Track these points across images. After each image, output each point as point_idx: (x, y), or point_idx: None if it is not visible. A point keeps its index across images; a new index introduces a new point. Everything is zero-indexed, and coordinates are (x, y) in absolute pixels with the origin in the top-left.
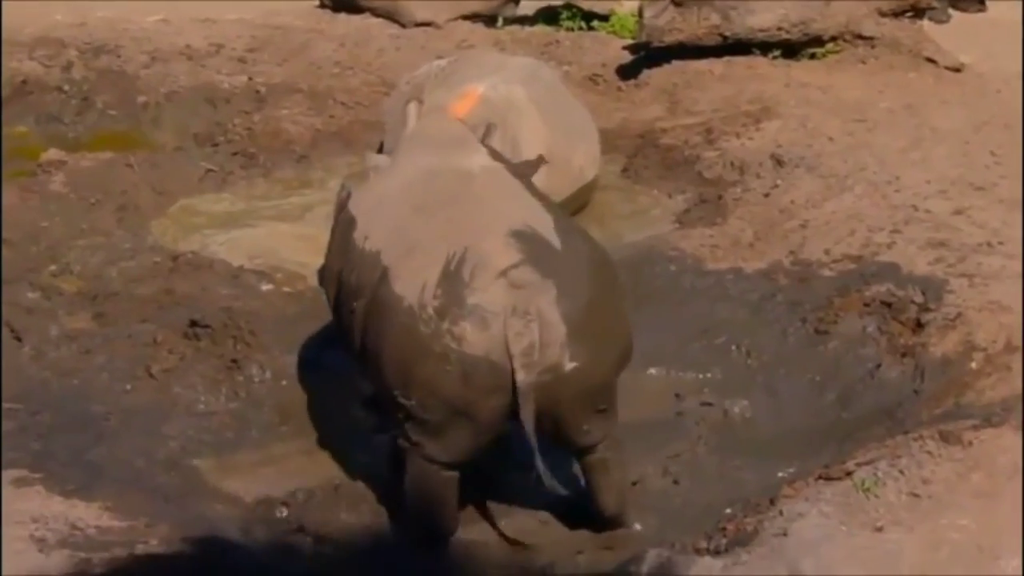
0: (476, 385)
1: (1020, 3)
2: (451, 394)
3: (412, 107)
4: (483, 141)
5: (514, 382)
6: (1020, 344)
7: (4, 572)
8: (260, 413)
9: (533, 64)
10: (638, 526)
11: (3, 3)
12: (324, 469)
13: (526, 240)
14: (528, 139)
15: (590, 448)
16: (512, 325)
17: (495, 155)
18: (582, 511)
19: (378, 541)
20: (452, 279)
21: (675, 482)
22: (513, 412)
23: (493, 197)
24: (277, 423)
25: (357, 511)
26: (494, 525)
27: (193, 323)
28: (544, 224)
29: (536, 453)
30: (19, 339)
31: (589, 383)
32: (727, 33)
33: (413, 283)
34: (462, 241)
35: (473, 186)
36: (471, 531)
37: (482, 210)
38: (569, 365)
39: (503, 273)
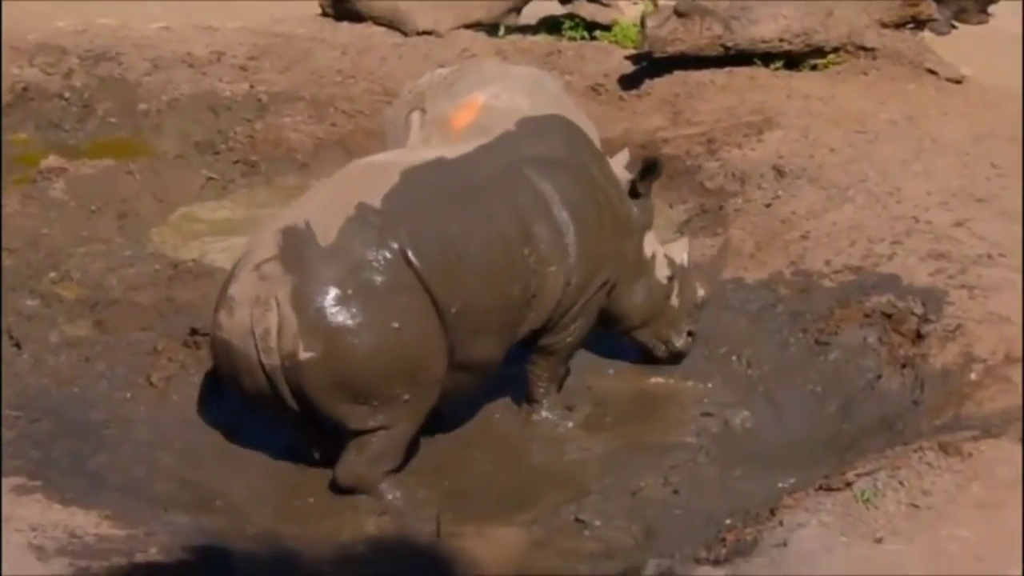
0: (232, 365)
1: (1022, 15)
2: (224, 374)
3: (415, 116)
4: None
5: (262, 365)
6: (1020, 356)
7: None
8: (259, 421)
9: (536, 73)
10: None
11: (6, 8)
12: (325, 477)
13: (292, 236)
14: None
15: (359, 432)
16: (253, 313)
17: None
18: (582, 521)
19: (375, 547)
20: (232, 270)
21: (675, 492)
22: (275, 393)
23: (323, 193)
24: (276, 431)
25: (355, 518)
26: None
27: (193, 331)
28: (330, 223)
29: (303, 431)
30: (19, 346)
31: (331, 374)
32: (729, 44)
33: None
34: (257, 235)
35: (331, 180)
36: (468, 540)
37: (296, 206)
38: (304, 355)
39: (257, 266)
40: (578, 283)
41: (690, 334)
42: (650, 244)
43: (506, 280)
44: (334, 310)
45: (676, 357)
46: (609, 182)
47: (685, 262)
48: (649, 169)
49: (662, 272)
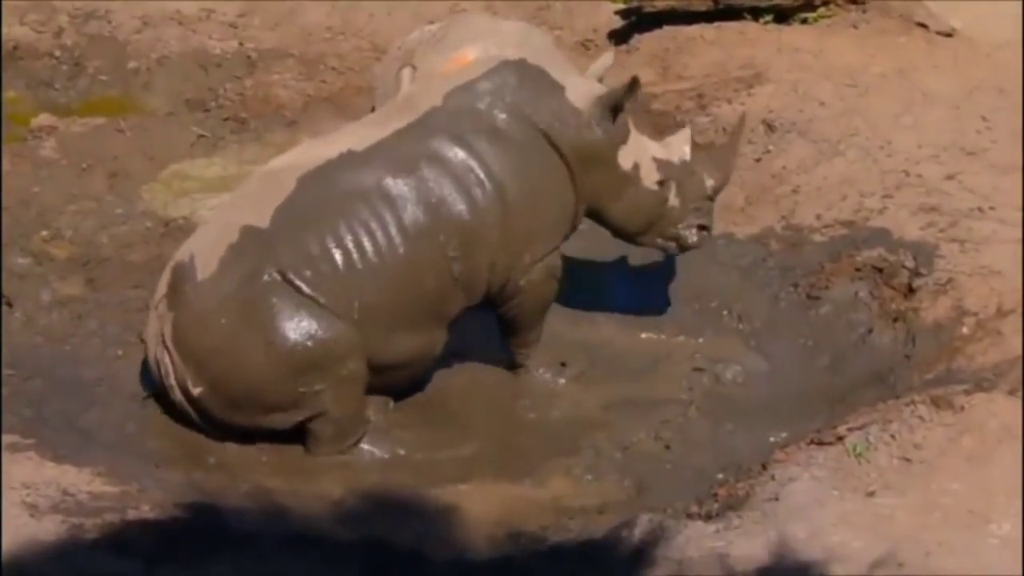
0: (163, 399)
1: None
2: None
3: (406, 73)
4: None
5: (174, 400)
6: (1012, 308)
7: None
8: None
9: (525, 28)
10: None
11: None
12: None
13: (178, 272)
14: None
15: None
16: (156, 352)
17: None
18: (574, 476)
19: (367, 503)
20: None
21: (667, 447)
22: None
23: (218, 217)
24: None
25: (347, 474)
26: None
27: None
28: (213, 253)
29: None
30: (10, 305)
31: (227, 401)
32: None
33: None
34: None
35: (232, 197)
36: (461, 497)
37: (195, 235)
38: (195, 390)
39: (156, 305)
40: (505, 263)
41: (703, 228)
42: (630, 155)
43: (413, 274)
44: (209, 343)
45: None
46: (560, 122)
47: (686, 155)
48: (626, 90)
49: (650, 178)
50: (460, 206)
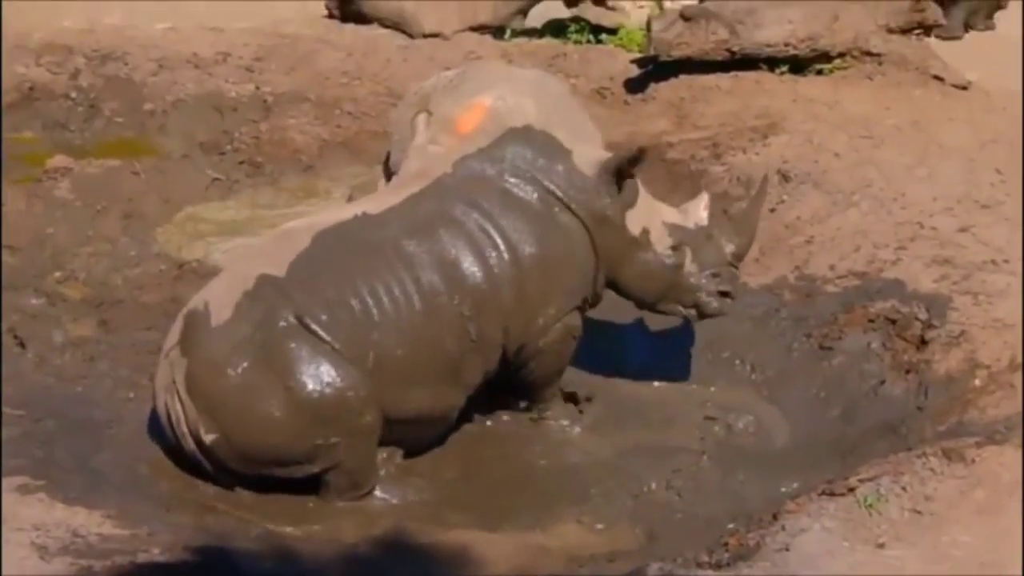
0: (173, 448)
1: (1022, 20)
2: None
3: (421, 119)
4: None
5: (183, 448)
6: (1022, 362)
7: None
8: None
9: (541, 76)
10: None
11: (12, 7)
12: None
13: (191, 319)
14: None
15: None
16: (166, 401)
17: None
18: (585, 523)
19: (378, 548)
20: None
21: (678, 495)
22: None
23: (232, 268)
24: None
25: (358, 519)
26: None
27: None
28: (227, 300)
29: None
30: (23, 345)
31: (240, 449)
32: (735, 48)
33: None
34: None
35: (246, 250)
36: (472, 543)
37: (208, 285)
38: (207, 437)
39: (167, 353)
40: (520, 325)
41: (725, 294)
42: (639, 220)
43: (429, 330)
44: (222, 389)
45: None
46: (571, 186)
47: (703, 220)
48: (631, 158)
49: (662, 244)
50: (473, 268)
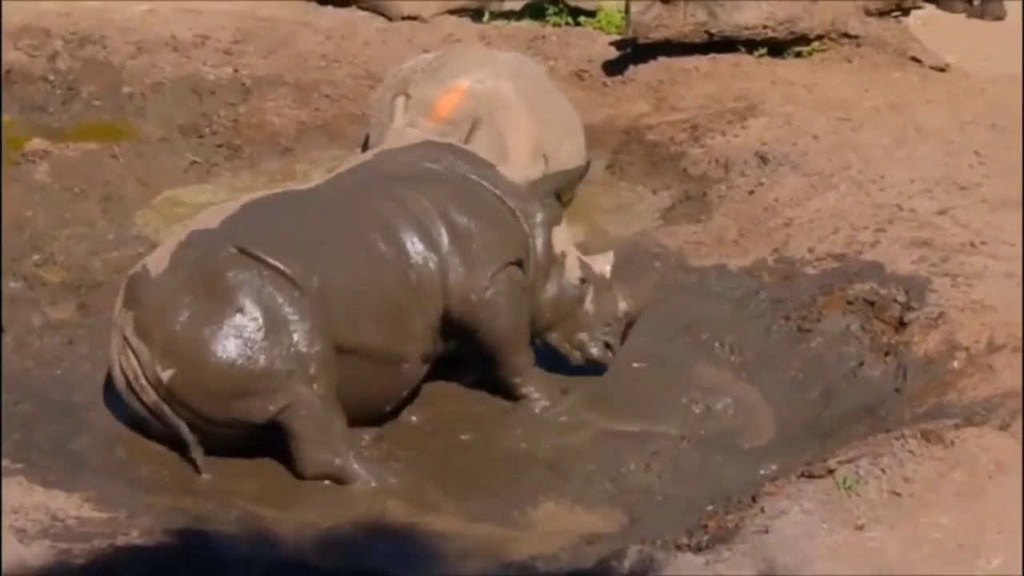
0: (142, 419)
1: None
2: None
3: (400, 101)
4: (467, 137)
5: (147, 405)
6: (1003, 343)
7: None
8: None
9: (519, 59)
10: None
11: None
12: None
13: (132, 281)
14: (515, 133)
15: (274, 426)
16: (120, 364)
17: None
18: (565, 508)
19: (358, 531)
20: None
21: (658, 477)
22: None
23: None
24: None
25: (339, 502)
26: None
27: None
28: (163, 256)
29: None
30: (2, 328)
31: (199, 381)
32: (713, 30)
33: None
34: None
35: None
36: (451, 526)
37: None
38: (166, 375)
39: (113, 323)
40: (459, 279)
41: (608, 347)
42: (560, 242)
43: (369, 267)
44: (172, 325)
45: (592, 364)
46: (493, 177)
47: (607, 274)
48: (573, 173)
49: (573, 273)
50: (405, 224)
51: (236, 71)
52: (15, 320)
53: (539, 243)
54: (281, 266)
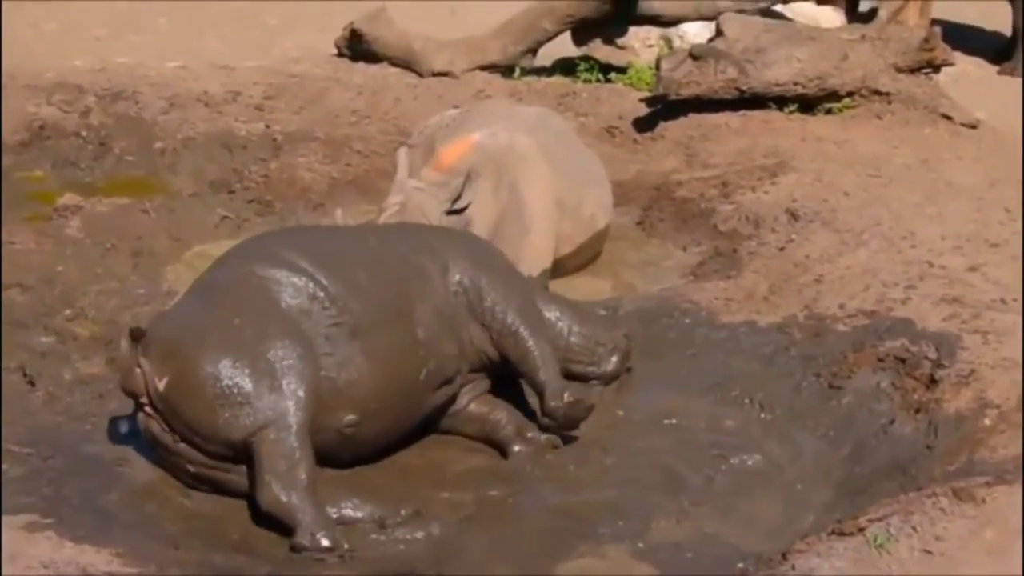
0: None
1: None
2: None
3: (402, 153)
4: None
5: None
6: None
7: None
8: None
9: (542, 113)
10: None
11: (23, 47)
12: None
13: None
14: (533, 184)
15: (247, 445)
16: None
17: None
18: (593, 566)
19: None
20: None
21: (687, 535)
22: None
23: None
24: None
25: (367, 560)
26: None
27: None
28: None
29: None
30: (32, 383)
31: (188, 384)
32: (744, 87)
33: None
34: None
35: None
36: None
37: None
38: (162, 383)
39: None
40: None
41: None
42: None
43: (380, 273)
44: (168, 332)
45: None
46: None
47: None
48: None
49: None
50: (410, 253)
51: (268, 127)
52: (46, 375)
53: None
54: (312, 275)
